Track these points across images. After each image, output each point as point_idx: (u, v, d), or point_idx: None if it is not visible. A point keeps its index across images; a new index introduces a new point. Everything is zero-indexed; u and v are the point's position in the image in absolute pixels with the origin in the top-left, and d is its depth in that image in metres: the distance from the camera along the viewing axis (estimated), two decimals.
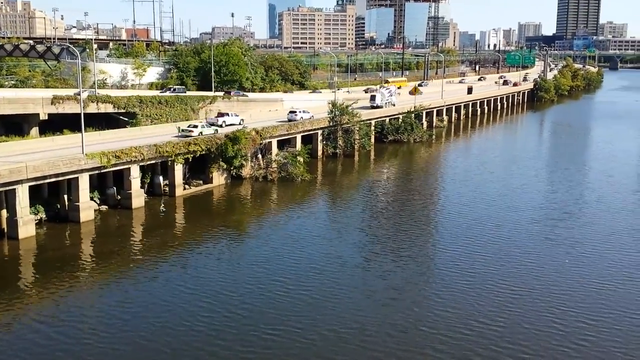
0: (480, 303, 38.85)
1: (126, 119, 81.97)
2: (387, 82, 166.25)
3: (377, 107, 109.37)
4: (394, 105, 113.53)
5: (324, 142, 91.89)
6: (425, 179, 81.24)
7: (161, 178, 66.61)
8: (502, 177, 79.54)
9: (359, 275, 43.98)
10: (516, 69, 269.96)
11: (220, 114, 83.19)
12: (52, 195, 57.06)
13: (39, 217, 54.52)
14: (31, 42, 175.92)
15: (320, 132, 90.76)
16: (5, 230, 51.25)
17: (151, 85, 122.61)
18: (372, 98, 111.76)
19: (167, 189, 66.66)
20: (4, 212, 51.75)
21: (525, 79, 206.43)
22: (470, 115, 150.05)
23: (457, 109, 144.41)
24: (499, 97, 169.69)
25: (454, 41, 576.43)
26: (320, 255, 48.12)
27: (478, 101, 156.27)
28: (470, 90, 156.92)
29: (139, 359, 32.30)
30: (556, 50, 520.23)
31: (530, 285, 42.03)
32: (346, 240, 52.17)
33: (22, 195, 50.55)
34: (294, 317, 36.65)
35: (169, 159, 65.00)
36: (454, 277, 43.30)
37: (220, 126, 77.34)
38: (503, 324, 36.11)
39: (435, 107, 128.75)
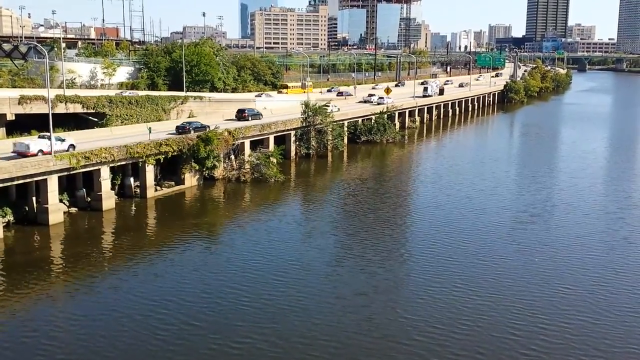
0: (449, 309, 38.60)
1: (96, 120, 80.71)
2: (394, 84, 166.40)
3: (429, 96, 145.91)
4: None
5: (297, 143, 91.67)
6: (397, 181, 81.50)
7: (132, 179, 65.70)
8: (472, 179, 79.95)
9: (329, 280, 43.44)
10: (487, 70, 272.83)
11: None
12: (20, 197, 55.87)
13: (6, 220, 53.28)
14: None
15: (293, 132, 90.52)
16: None
17: (121, 85, 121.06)
18: (425, 89, 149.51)
19: (138, 190, 65.76)
20: None
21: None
22: (442, 116, 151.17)
23: (429, 110, 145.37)
24: (469, 99, 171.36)
25: (426, 42, 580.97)
26: (292, 258, 47.75)
27: (450, 102, 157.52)
28: (441, 92, 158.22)
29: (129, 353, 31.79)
30: (526, 52, 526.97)
31: (499, 289, 42.01)
32: (318, 243, 51.87)
33: None
34: (263, 324, 36.10)
35: (140, 160, 64.15)
36: (423, 282, 43.12)
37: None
38: (470, 329, 36.08)
39: (407, 108, 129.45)
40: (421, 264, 46.82)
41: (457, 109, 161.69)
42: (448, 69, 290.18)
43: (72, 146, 58.82)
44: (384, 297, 40.51)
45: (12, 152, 55.88)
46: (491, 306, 38.98)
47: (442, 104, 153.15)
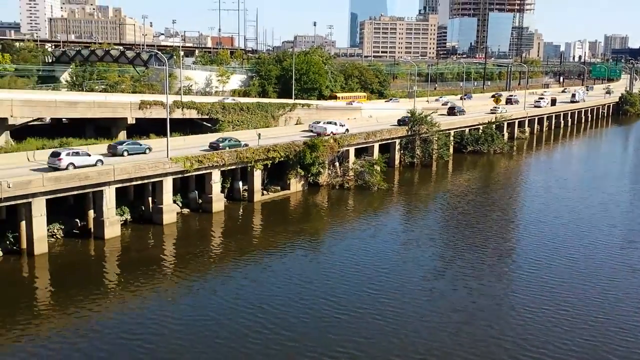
0: (553, 332, 36.76)
1: (209, 125, 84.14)
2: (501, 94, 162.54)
3: (576, 101, 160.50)
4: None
5: (402, 152, 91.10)
6: (503, 193, 78.95)
7: (241, 183, 67.83)
8: (581, 193, 76.19)
9: (426, 294, 42.49)
10: (601, 81, 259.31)
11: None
12: (138, 197, 59.11)
13: (124, 219, 56.56)
14: (121, 48, 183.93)
15: (398, 141, 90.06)
16: (92, 230, 53.48)
17: (234, 92, 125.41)
18: (573, 95, 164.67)
19: (246, 194, 67.80)
20: (92, 212, 53.97)
21: (608, 93, 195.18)
22: (553, 128, 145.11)
23: (540, 121, 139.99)
24: (582, 110, 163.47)
25: (538, 52, 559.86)
26: (389, 270, 47.09)
27: (562, 113, 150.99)
28: (554, 102, 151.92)
29: (220, 356, 32.93)
30: None
31: (608, 312, 39.73)
32: (418, 255, 51.06)
33: (109, 196, 52.61)
34: (356, 337, 35.61)
35: (249, 164, 66.13)
36: (525, 301, 41.20)
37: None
38: (578, 356, 34.33)
39: (517, 118, 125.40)
40: (524, 282, 44.93)
41: (570, 120, 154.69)
42: (561, 79, 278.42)
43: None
44: (484, 314, 39.14)
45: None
46: (601, 331, 36.89)
47: (553, 115, 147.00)
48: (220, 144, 65.54)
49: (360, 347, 34.22)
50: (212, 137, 75.13)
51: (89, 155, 55.25)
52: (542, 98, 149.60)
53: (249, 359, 32.96)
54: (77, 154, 54.67)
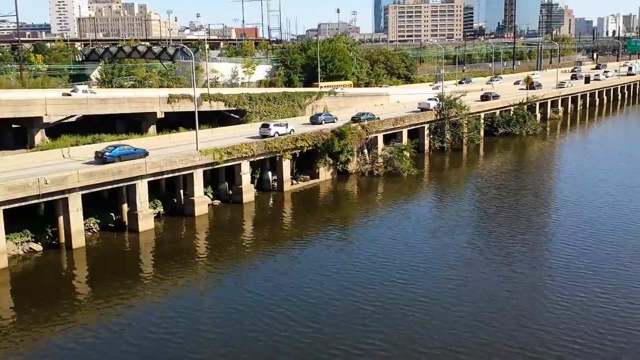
0: (592, 316, 36.08)
1: (237, 116, 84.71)
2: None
3: (632, 74, 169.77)
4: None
5: (431, 136, 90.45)
6: (537, 176, 77.88)
7: (270, 173, 68.26)
8: (618, 175, 74.38)
9: (457, 284, 41.75)
10: (638, 56, 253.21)
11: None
12: (169, 190, 59.97)
13: (157, 211, 57.50)
14: (148, 43, 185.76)
15: (427, 126, 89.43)
16: (127, 224, 54.51)
17: (260, 83, 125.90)
18: (630, 68, 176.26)
19: (275, 184, 68.23)
20: (125, 206, 54.97)
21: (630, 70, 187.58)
22: (587, 106, 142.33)
23: (574, 100, 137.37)
24: (619, 87, 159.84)
25: (569, 29, 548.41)
26: (425, 255, 46.96)
27: (596, 91, 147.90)
28: (587, 80, 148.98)
29: (248, 349, 33.13)
30: None
31: None
32: (452, 240, 50.59)
33: (142, 190, 53.49)
34: (394, 322, 35.61)
35: (277, 154, 66.48)
36: (560, 288, 40.09)
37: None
38: (617, 338, 33.66)
39: (549, 98, 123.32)
40: (558, 269, 43.80)
41: (605, 98, 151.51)
42: (594, 56, 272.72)
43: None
44: (516, 303, 38.19)
45: None
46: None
47: (587, 93, 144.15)
48: (319, 117, 77.64)
49: (389, 338, 33.70)
50: (241, 129, 75.82)
51: (286, 126, 70.15)
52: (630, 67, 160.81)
53: (278, 352, 32.84)
54: (279, 125, 69.71)
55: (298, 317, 36.53)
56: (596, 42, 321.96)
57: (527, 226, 54.63)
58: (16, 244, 47.91)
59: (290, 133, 69.16)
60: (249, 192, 63.42)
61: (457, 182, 75.10)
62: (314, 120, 79.26)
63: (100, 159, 54.78)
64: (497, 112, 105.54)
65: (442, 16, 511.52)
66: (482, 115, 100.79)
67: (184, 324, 36.12)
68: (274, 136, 67.43)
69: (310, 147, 69.86)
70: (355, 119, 78.45)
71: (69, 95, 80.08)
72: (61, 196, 48.01)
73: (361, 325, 35.39)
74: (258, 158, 65.05)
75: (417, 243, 50.25)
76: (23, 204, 46.07)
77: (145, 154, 57.17)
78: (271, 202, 64.73)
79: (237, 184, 63.19)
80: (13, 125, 74.50)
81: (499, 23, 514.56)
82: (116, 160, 54.28)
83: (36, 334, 35.26)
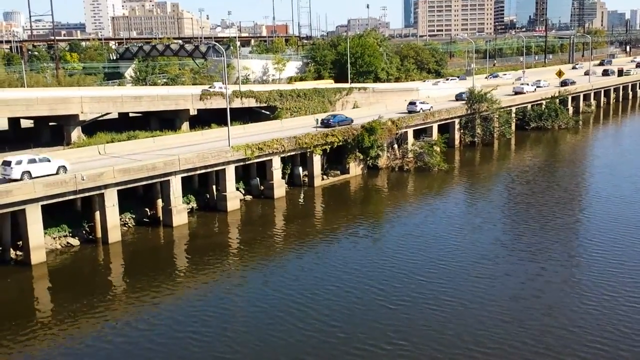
0: (624, 314, 35.47)
1: (268, 113, 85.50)
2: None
3: None
4: None
5: (462, 131, 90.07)
6: (569, 171, 76.93)
7: (301, 169, 68.84)
8: None
9: (493, 279, 41.53)
10: None
11: None
12: (202, 185, 60.97)
13: (190, 207, 58.51)
14: (180, 42, 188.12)
15: (457, 120, 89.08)
16: (161, 219, 55.64)
17: (290, 79, 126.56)
18: None
19: (306, 179, 68.80)
20: (160, 201, 56.11)
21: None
22: (621, 100, 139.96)
23: (606, 93, 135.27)
24: None
25: (602, 21, 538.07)
26: (456, 251, 46.77)
27: (630, 84, 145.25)
28: (620, 72, 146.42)
29: (280, 343, 33.60)
30: None
31: None
32: (482, 237, 50.26)
33: (176, 185, 54.54)
34: (420, 320, 35.38)
35: (308, 150, 67.01)
36: (590, 287, 39.53)
37: None
38: None
39: (581, 92, 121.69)
40: (588, 267, 43.13)
41: (639, 91, 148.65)
42: (628, 49, 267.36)
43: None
44: (545, 302, 37.57)
45: None
46: None
47: (620, 86, 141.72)
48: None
49: (413, 338, 33.39)
50: (273, 124, 76.52)
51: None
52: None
53: (303, 351, 32.87)
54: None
55: (325, 316, 36.33)
56: (629, 35, 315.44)
57: (557, 223, 53.94)
58: (54, 238, 49.34)
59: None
60: (280, 188, 64.10)
61: (488, 177, 74.74)
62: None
63: (325, 124, 71.22)
64: (529, 106, 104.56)
65: (472, 10, 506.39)
66: (514, 109, 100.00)
67: (213, 322, 36.58)
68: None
69: (341, 143, 70.24)
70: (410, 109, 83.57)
71: (208, 90, 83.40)
72: (97, 192, 49.26)
73: (385, 324, 35.14)
74: (289, 153, 65.66)
75: (446, 240, 49.90)
76: (61, 199, 47.43)
77: (351, 121, 73.68)
78: (302, 197, 65.33)
79: (268, 179, 63.92)
80: (50, 123, 76.36)
81: (530, 16, 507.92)
82: (336, 126, 70.80)
83: (73, 327, 36.24)
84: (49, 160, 49.25)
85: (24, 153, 53.22)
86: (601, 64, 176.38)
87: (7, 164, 47.48)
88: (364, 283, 41.06)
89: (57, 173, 48.57)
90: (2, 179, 47.01)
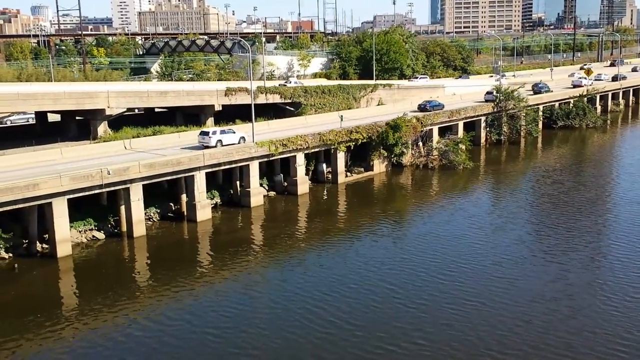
0: None
1: (292, 109, 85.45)
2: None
3: None
4: None
5: (488, 129, 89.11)
6: (596, 171, 75.65)
7: (324, 165, 68.68)
8: None
9: (519, 278, 41.09)
10: None
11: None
12: (226, 181, 61.15)
13: (214, 202, 58.74)
14: (206, 37, 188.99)
15: (483, 118, 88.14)
16: (185, 213, 55.92)
17: (315, 75, 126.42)
18: None
19: (330, 176, 68.63)
20: (184, 196, 56.40)
21: None
22: None
23: (635, 92, 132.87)
24: None
25: (631, 19, 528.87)
26: (478, 251, 46.20)
27: None
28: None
29: (299, 341, 33.58)
30: None
31: None
32: (507, 238, 49.57)
33: (200, 181, 54.77)
34: (440, 321, 35.04)
35: (332, 147, 66.82)
36: (618, 289, 38.72)
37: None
38: None
39: (610, 91, 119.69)
40: (613, 269, 42.25)
41: None
42: None
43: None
44: (567, 303, 36.94)
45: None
46: None
47: None
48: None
49: (433, 338, 33.13)
50: (297, 121, 76.48)
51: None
52: None
53: (322, 349, 32.72)
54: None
55: (345, 314, 36.16)
56: None
57: (583, 224, 53.05)
58: (80, 232, 49.88)
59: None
60: (303, 184, 64.03)
61: (513, 176, 73.78)
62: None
63: (422, 109, 79.95)
64: (556, 104, 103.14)
65: (500, 7, 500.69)
66: (541, 107, 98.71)
67: (232, 317, 36.68)
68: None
69: (365, 140, 69.92)
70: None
71: (284, 86, 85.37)
72: (123, 186, 49.67)
73: (405, 323, 34.90)
74: (313, 150, 65.55)
75: (469, 239, 49.25)
76: (87, 193, 47.91)
77: (443, 106, 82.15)
78: (325, 194, 65.20)
79: (292, 175, 63.88)
80: (77, 118, 77.19)
81: (558, 14, 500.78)
82: (431, 110, 79.53)
83: (96, 320, 36.58)
84: (234, 132, 60.38)
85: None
86: (611, 64, 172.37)
87: (205, 133, 59.32)
88: (384, 282, 40.82)
89: (238, 142, 59.52)
90: (201, 146, 57.93)
